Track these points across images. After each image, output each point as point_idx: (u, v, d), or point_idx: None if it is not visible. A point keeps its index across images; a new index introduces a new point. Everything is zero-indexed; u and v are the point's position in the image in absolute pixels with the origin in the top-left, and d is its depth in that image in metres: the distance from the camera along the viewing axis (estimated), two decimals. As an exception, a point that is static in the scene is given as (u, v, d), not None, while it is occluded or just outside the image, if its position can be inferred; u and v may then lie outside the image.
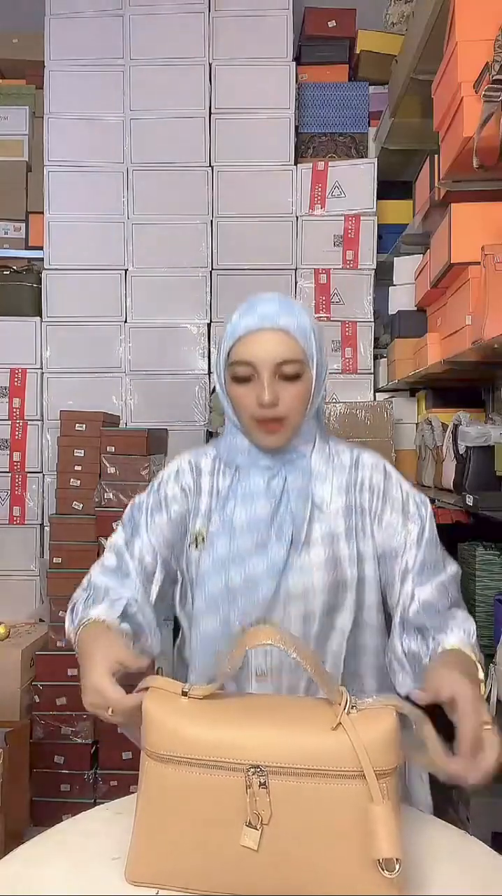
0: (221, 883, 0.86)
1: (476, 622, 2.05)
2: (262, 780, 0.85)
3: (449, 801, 1.82)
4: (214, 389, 2.90)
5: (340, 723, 0.85)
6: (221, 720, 0.89)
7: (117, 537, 1.28)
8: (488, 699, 1.66)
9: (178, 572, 1.28)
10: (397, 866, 0.82)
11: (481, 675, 1.06)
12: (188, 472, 1.29)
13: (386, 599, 1.24)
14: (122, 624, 1.15)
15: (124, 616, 1.17)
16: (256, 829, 0.84)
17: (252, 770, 0.85)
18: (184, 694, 0.92)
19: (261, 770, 0.85)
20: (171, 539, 1.26)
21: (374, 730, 0.85)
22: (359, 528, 1.22)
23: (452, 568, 1.22)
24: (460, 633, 1.13)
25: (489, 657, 1.78)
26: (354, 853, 0.83)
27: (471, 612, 2.02)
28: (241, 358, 1.17)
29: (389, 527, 1.21)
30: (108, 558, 1.26)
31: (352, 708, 0.87)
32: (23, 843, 0.99)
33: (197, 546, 1.24)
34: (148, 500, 1.29)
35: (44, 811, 2.55)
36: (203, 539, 1.23)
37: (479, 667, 1.08)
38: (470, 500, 1.93)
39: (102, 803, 1.10)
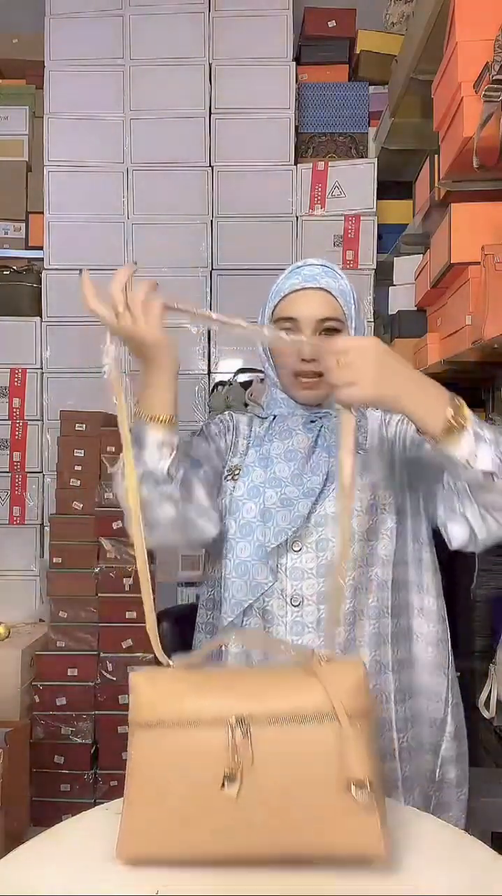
0: (210, 846, 0.88)
1: (476, 622, 2.06)
2: (244, 730, 0.86)
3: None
4: (214, 388, 2.90)
5: (314, 672, 0.89)
6: (206, 685, 0.92)
7: None
8: (488, 699, 1.66)
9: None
10: (368, 787, 0.85)
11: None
12: (228, 418, 1.34)
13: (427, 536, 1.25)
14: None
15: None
16: (236, 779, 0.86)
17: (236, 721, 0.87)
18: (169, 666, 0.95)
19: (243, 721, 0.87)
20: (205, 458, 1.25)
21: (344, 677, 0.90)
22: (395, 464, 1.24)
23: None
24: None
25: (489, 657, 1.78)
26: (334, 792, 0.86)
27: (471, 611, 2.03)
28: (285, 314, 1.22)
29: (416, 441, 1.20)
30: None
31: (324, 661, 0.91)
32: (23, 843, 0.99)
33: (234, 478, 1.26)
34: (192, 435, 1.31)
35: (44, 811, 2.55)
36: (239, 470, 1.26)
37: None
38: (470, 500, 1.92)
39: (102, 803, 1.09)
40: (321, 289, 1.21)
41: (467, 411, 0.99)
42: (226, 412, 1.37)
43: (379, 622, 1.21)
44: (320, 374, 1.19)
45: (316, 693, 0.88)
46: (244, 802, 0.86)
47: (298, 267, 1.25)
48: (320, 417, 1.26)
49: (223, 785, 0.86)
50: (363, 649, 1.20)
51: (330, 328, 1.21)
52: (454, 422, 0.97)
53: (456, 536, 1.11)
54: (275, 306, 1.24)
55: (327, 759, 0.87)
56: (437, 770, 1.24)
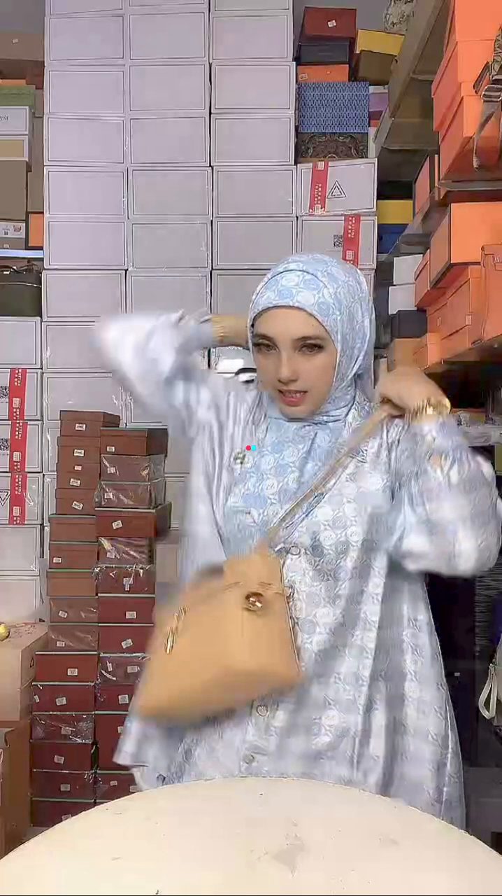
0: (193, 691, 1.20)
1: (476, 622, 2.05)
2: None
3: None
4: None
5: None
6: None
7: None
8: (488, 699, 1.66)
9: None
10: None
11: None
12: (234, 386, 1.40)
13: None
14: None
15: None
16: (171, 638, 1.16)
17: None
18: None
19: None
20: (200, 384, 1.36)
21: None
22: (393, 469, 1.22)
23: None
24: None
25: (489, 657, 1.78)
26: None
27: (470, 611, 2.02)
28: (262, 331, 1.21)
29: (402, 452, 1.21)
30: None
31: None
32: (23, 843, 0.99)
33: (242, 463, 1.28)
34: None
35: (44, 811, 2.55)
36: (244, 457, 1.28)
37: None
38: (470, 500, 1.92)
39: (102, 803, 1.09)
40: (297, 307, 1.16)
41: (445, 408, 1.17)
42: (232, 396, 1.36)
43: (364, 634, 1.20)
44: (302, 392, 1.20)
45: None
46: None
47: (278, 273, 1.19)
48: (315, 425, 1.25)
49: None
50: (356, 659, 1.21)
51: (310, 345, 1.18)
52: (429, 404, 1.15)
53: (415, 545, 1.11)
54: (255, 319, 1.21)
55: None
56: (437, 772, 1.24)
